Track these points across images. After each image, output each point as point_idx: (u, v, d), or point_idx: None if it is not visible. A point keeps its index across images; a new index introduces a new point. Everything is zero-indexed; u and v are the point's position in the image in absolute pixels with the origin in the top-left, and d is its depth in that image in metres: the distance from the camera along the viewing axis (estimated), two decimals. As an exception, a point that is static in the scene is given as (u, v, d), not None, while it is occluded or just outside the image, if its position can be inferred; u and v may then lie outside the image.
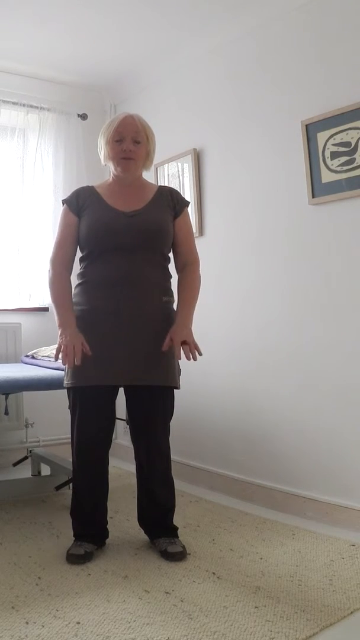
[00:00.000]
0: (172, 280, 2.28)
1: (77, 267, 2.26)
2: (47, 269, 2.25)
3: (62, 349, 2.10)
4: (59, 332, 2.14)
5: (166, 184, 3.44)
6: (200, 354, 2.16)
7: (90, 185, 2.33)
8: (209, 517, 2.63)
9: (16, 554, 2.20)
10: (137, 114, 2.26)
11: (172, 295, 2.26)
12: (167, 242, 2.24)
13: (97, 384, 2.13)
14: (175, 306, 2.27)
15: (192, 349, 2.14)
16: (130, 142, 2.17)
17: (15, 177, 3.57)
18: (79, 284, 2.23)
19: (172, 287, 2.28)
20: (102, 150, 2.26)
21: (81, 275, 2.23)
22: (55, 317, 2.18)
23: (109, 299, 2.14)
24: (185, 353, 2.15)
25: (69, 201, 2.24)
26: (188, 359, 2.16)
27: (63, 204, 2.26)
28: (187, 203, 2.31)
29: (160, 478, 2.23)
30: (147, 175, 2.40)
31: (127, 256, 2.15)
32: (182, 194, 3.33)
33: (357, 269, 2.47)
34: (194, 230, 3.27)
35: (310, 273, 2.66)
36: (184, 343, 2.14)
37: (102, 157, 2.28)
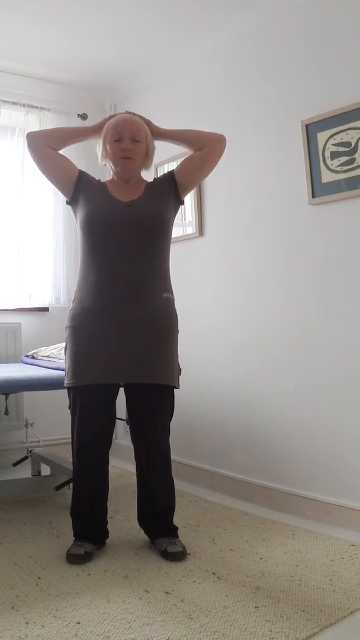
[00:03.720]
0: (173, 277, 2.28)
1: (77, 264, 2.25)
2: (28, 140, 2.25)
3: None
4: (95, 127, 2.30)
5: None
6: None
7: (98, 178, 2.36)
8: (209, 517, 2.63)
9: (16, 554, 2.20)
10: (136, 113, 2.26)
11: (172, 292, 2.25)
12: (166, 232, 2.22)
13: (97, 383, 2.12)
14: (176, 304, 2.27)
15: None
16: (129, 141, 2.17)
17: (15, 177, 3.57)
18: (79, 283, 2.23)
19: (173, 284, 2.28)
20: (100, 149, 2.27)
21: (80, 273, 2.23)
22: (77, 131, 2.32)
23: (109, 298, 2.13)
24: None
25: (81, 172, 2.28)
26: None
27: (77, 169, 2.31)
28: (170, 173, 2.32)
29: (160, 478, 2.23)
30: (147, 175, 2.39)
31: (126, 253, 2.14)
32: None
33: (356, 268, 2.47)
34: (194, 231, 3.27)
35: (310, 273, 2.66)
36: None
37: (99, 156, 2.29)
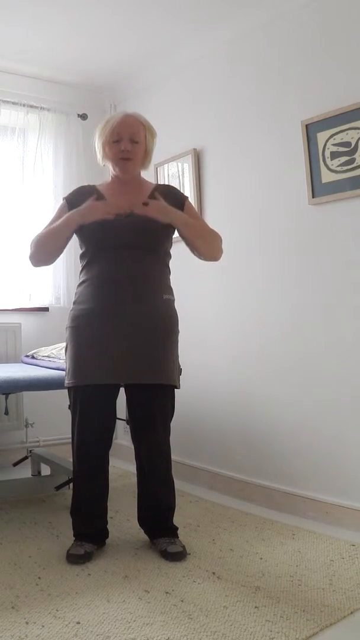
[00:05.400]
0: (173, 277, 2.28)
1: (78, 266, 2.25)
2: (29, 254, 2.24)
3: (89, 213, 2.14)
4: (71, 220, 2.17)
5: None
6: (145, 204, 2.12)
7: (92, 184, 2.33)
8: (209, 517, 2.63)
9: (16, 554, 2.20)
10: (136, 112, 2.26)
11: (172, 294, 2.25)
12: (166, 240, 2.23)
13: (98, 383, 2.12)
14: (176, 305, 2.27)
15: (148, 205, 2.11)
16: (128, 142, 2.16)
17: (15, 177, 3.57)
18: (80, 284, 2.23)
19: (173, 285, 2.28)
20: (99, 150, 2.25)
21: (81, 274, 2.23)
22: (59, 229, 2.19)
23: (109, 299, 2.13)
24: (141, 203, 2.13)
25: (70, 200, 2.26)
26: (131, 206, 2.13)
27: (64, 200, 2.28)
28: (184, 198, 2.29)
29: (161, 478, 2.23)
30: (147, 175, 2.40)
31: (126, 254, 2.14)
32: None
33: (357, 269, 2.47)
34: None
35: (310, 273, 2.66)
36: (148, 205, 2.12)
37: (99, 157, 2.27)
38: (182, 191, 2.42)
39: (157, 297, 2.17)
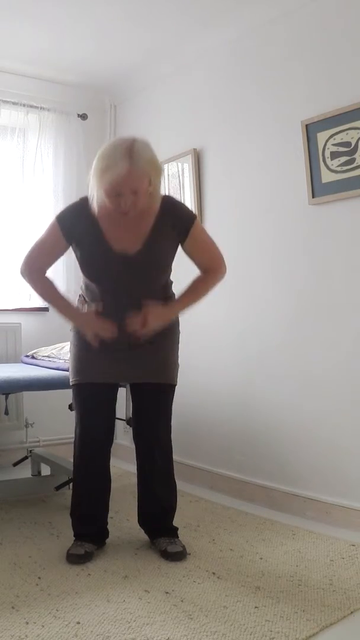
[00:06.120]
0: (173, 278, 2.27)
1: (78, 267, 2.23)
2: (21, 268, 2.18)
3: (86, 332, 2.09)
4: (65, 317, 2.14)
5: (166, 184, 3.43)
6: (138, 337, 2.05)
7: (87, 205, 2.06)
8: (209, 517, 2.63)
9: (16, 554, 2.20)
10: (141, 155, 1.91)
11: (173, 296, 2.24)
12: (168, 272, 2.18)
13: (102, 382, 2.14)
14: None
15: (140, 325, 2.01)
16: (129, 195, 1.92)
17: (15, 177, 3.57)
18: (82, 287, 2.22)
19: (173, 285, 2.28)
20: (94, 191, 1.98)
21: (83, 281, 2.21)
22: (56, 312, 2.17)
23: (112, 306, 2.10)
24: (136, 321, 2.03)
25: (63, 224, 2.09)
26: (130, 327, 2.04)
27: (55, 220, 2.11)
28: (190, 223, 2.10)
29: (161, 476, 2.23)
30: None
31: (127, 287, 2.09)
32: (182, 198, 3.32)
33: (357, 269, 2.47)
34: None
35: (310, 273, 2.66)
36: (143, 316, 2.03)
37: (92, 197, 2.00)
38: (185, 209, 2.17)
39: (158, 302, 2.14)
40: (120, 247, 2.04)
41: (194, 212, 2.12)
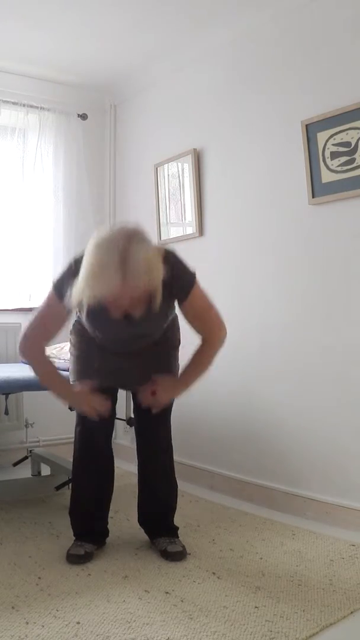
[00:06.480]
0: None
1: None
2: (20, 346, 2.05)
3: (82, 409, 2.08)
4: (60, 397, 2.14)
5: (166, 184, 3.44)
6: (151, 411, 2.10)
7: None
8: (209, 517, 2.63)
9: (16, 554, 2.20)
10: (134, 257, 1.70)
11: (173, 330, 2.20)
12: (168, 322, 2.12)
13: (102, 385, 2.14)
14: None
15: (154, 400, 2.05)
16: (126, 299, 1.80)
17: (15, 177, 3.57)
18: (77, 320, 2.18)
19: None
20: (84, 294, 1.75)
21: (80, 321, 2.16)
22: (53, 393, 2.13)
23: (108, 355, 2.11)
24: (145, 396, 2.07)
25: (59, 290, 1.95)
26: (142, 401, 2.09)
27: (53, 287, 1.99)
28: (189, 289, 1.98)
29: (162, 474, 2.24)
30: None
31: (127, 340, 2.06)
32: (182, 198, 3.31)
33: (357, 269, 2.47)
34: (194, 231, 3.27)
35: (310, 273, 2.66)
36: (155, 391, 2.04)
37: (82, 297, 1.78)
38: (184, 274, 2.00)
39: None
40: (120, 314, 1.94)
41: (194, 275, 2.01)
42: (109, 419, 2.22)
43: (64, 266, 2.00)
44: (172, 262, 1.93)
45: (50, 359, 2.13)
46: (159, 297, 1.82)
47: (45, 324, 2.03)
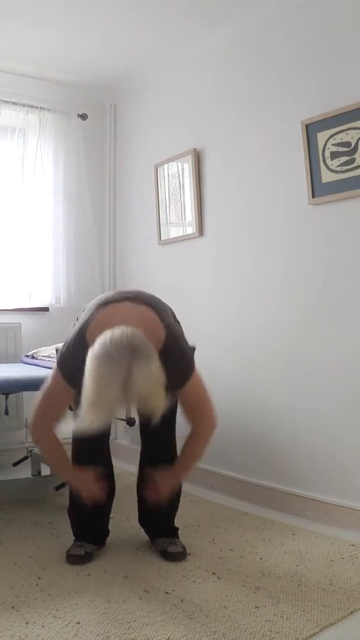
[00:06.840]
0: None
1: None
2: (31, 422, 2.02)
3: (83, 493, 2.06)
4: (65, 479, 2.11)
5: (166, 184, 3.44)
6: (156, 506, 2.10)
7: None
8: (209, 517, 2.63)
9: (16, 554, 2.20)
10: (137, 379, 1.66)
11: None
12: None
13: None
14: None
15: (156, 494, 2.05)
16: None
17: (15, 177, 3.57)
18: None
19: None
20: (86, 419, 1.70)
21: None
22: (58, 473, 2.14)
23: None
24: (150, 492, 2.08)
25: (67, 376, 1.95)
26: (147, 498, 2.10)
27: (58, 367, 1.99)
28: (186, 380, 2.02)
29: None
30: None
31: None
32: (182, 198, 3.32)
33: (357, 269, 2.47)
34: (194, 231, 3.27)
35: (310, 273, 2.66)
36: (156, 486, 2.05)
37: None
38: (189, 357, 2.05)
39: None
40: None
41: (192, 361, 2.03)
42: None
43: (67, 342, 1.99)
44: (172, 351, 1.94)
45: (61, 443, 2.06)
46: (160, 411, 1.75)
47: (53, 404, 2.01)
